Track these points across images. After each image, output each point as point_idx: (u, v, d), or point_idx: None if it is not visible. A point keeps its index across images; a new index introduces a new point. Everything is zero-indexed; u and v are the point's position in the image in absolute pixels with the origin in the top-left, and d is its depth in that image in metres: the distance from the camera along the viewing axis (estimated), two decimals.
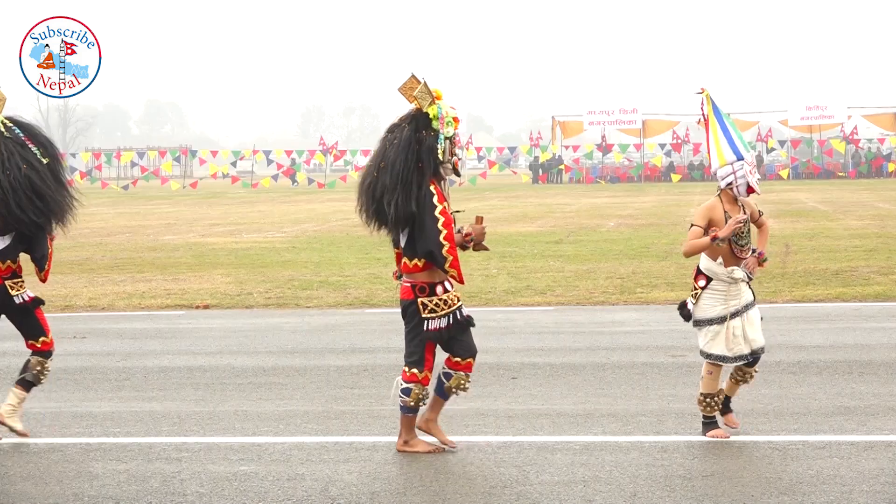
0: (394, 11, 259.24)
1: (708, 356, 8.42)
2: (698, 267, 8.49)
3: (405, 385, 8.06)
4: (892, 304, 15.64)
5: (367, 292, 17.71)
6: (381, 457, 8.09)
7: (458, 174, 8.33)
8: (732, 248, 8.42)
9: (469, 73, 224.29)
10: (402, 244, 8.03)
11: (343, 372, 11.34)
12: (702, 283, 8.45)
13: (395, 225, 7.95)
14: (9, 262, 8.67)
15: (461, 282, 8.02)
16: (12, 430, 8.78)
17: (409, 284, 8.04)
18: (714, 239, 8.34)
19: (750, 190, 8.47)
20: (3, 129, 8.68)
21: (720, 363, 8.41)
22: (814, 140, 72.84)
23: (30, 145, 8.71)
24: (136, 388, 10.75)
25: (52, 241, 8.90)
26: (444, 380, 8.13)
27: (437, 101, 8.02)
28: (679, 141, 74.23)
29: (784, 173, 70.40)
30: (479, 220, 8.16)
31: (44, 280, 8.87)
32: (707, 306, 8.43)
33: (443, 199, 7.95)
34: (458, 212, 8.09)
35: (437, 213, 7.86)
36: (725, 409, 8.62)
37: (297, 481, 7.53)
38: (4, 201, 8.52)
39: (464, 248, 8.15)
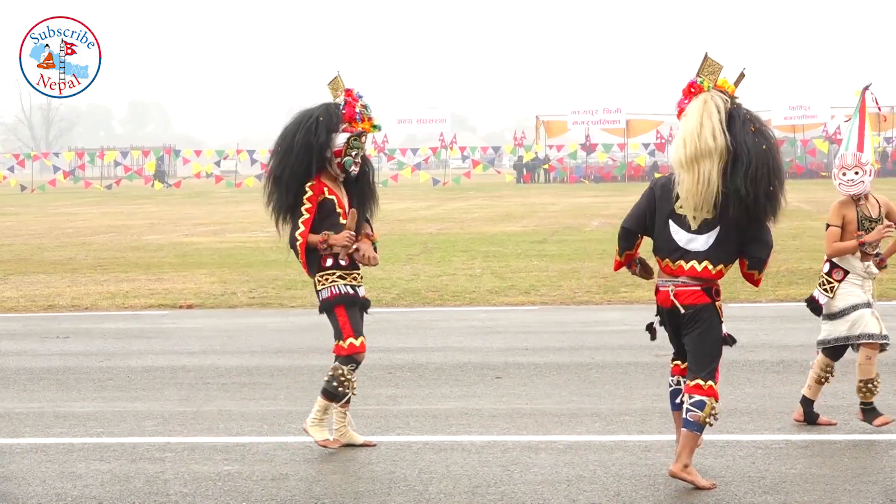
0: (377, 11, 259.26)
1: (870, 336, 8.48)
2: (832, 262, 8.61)
3: (698, 398, 7.08)
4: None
5: None
6: (365, 456, 8.08)
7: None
8: (864, 249, 8.56)
9: (453, 72, 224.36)
10: (708, 245, 7.03)
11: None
12: (838, 276, 8.59)
13: (758, 217, 6.99)
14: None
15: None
16: (317, 440, 8.20)
17: (699, 287, 7.06)
18: (862, 245, 8.46)
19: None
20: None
21: (881, 341, 8.51)
22: (797, 140, 72.98)
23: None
24: (120, 387, 10.72)
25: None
26: (696, 409, 7.09)
27: None
28: (663, 140, 74.24)
29: None
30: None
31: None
32: (846, 294, 8.56)
33: None
34: None
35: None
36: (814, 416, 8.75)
37: (281, 481, 7.52)
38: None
39: None
